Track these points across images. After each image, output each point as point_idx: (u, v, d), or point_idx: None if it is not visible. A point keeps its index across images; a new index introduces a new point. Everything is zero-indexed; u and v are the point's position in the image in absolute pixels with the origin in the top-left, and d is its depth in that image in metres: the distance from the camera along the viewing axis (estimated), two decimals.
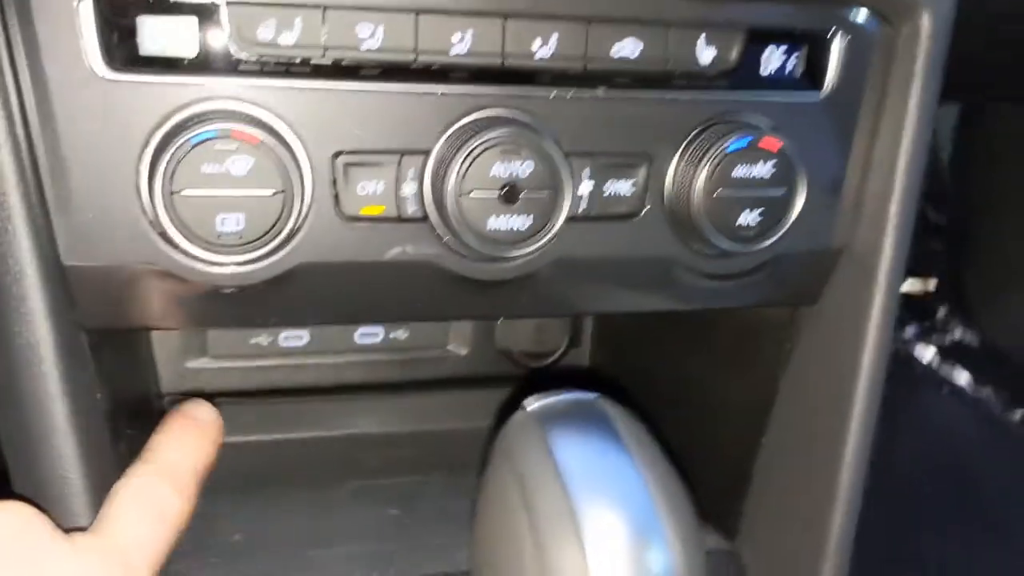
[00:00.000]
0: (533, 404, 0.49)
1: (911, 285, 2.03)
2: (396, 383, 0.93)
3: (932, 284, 1.98)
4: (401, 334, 0.92)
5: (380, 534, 0.78)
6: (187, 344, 0.87)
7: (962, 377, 1.89)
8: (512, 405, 0.59)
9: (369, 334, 0.91)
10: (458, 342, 0.96)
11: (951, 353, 1.91)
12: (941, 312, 1.92)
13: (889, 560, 1.31)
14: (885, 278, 0.69)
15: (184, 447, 0.60)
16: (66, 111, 0.53)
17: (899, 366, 1.96)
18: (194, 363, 0.88)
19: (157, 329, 0.82)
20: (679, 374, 0.87)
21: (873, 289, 0.69)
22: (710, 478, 0.80)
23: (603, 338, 1.00)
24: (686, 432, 0.82)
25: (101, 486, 0.58)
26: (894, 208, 0.68)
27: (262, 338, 0.89)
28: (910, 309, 1.98)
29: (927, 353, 1.94)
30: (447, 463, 0.90)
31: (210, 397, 0.88)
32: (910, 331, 1.96)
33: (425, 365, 0.94)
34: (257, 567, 0.73)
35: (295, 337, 0.89)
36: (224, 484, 0.83)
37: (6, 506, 0.51)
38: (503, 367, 0.97)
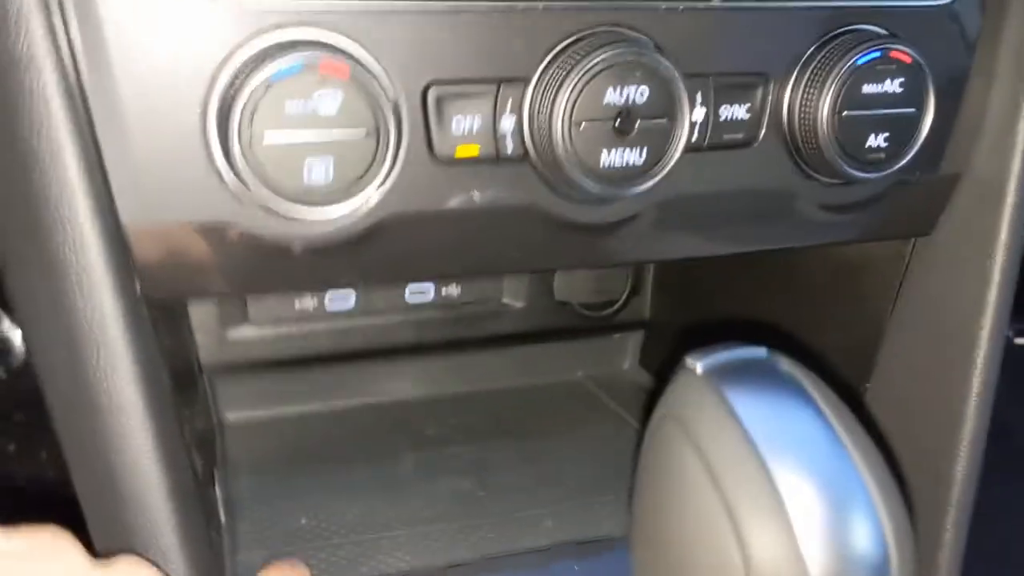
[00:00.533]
0: (701, 361, 0.43)
1: None
2: (451, 342, 0.86)
3: None
4: (453, 290, 0.85)
5: (458, 510, 0.72)
6: (226, 312, 0.79)
7: None
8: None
9: (419, 291, 0.84)
10: (513, 295, 0.89)
11: None
12: None
13: None
14: (1012, 204, 0.63)
15: None
16: (120, 43, 0.45)
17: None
18: (235, 332, 0.80)
19: (227, 296, 0.74)
20: (761, 320, 0.81)
21: (998, 216, 0.63)
22: None
23: (665, 285, 0.94)
24: None
25: (176, 482, 0.51)
26: (1022, 125, 0.62)
27: (307, 302, 0.81)
28: None
29: None
30: (510, 426, 0.84)
31: (255, 368, 0.81)
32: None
33: (480, 321, 0.87)
34: (334, 555, 0.66)
35: (341, 299, 0.82)
36: (280, 462, 0.77)
37: (42, 529, 0.45)
38: (561, 320, 0.90)
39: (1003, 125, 0.62)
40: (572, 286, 0.89)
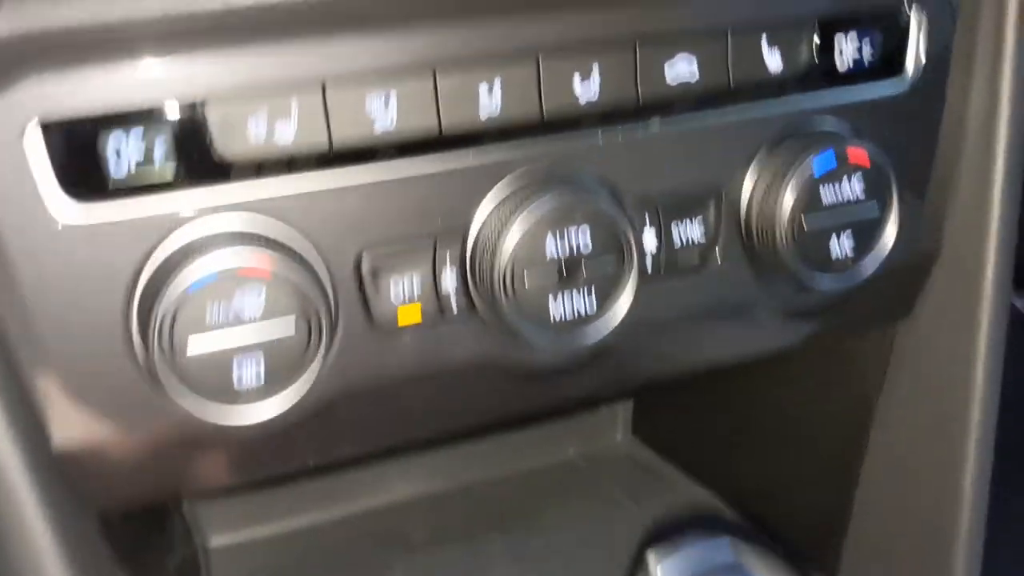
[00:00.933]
0: (661, 564, 0.40)
1: None
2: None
3: None
4: None
5: None
6: None
7: None
8: None
9: None
10: None
11: None
12: None
13: None
14: (992, 281, 0.60)
15: None
16: (31, 267, 0.43)
17: None
18: None
19: (176, 498, 0.72)
20: (754, 410, 0.78)
21: (979, 293, 0.60)
22: (804, 516, 0.72)
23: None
24: (769, 470, 0.74)
25: None
26: (996, 201, 0.59)
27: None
28: None
29: None
30: (503, 520, 0.82)
31: (234, 490, 0.79)
32: None
33: None
34: None
35: None
36: None
37: None
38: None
39: (975, 200, 0.60)
40: None
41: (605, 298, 0.50)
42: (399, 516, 0.82)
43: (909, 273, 0.61)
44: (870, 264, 0.55)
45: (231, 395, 0.44)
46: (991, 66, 0.57)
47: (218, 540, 0.80)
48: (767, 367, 0.73)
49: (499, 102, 0.47)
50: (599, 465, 0.90)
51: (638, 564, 0.44)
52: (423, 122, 0.46)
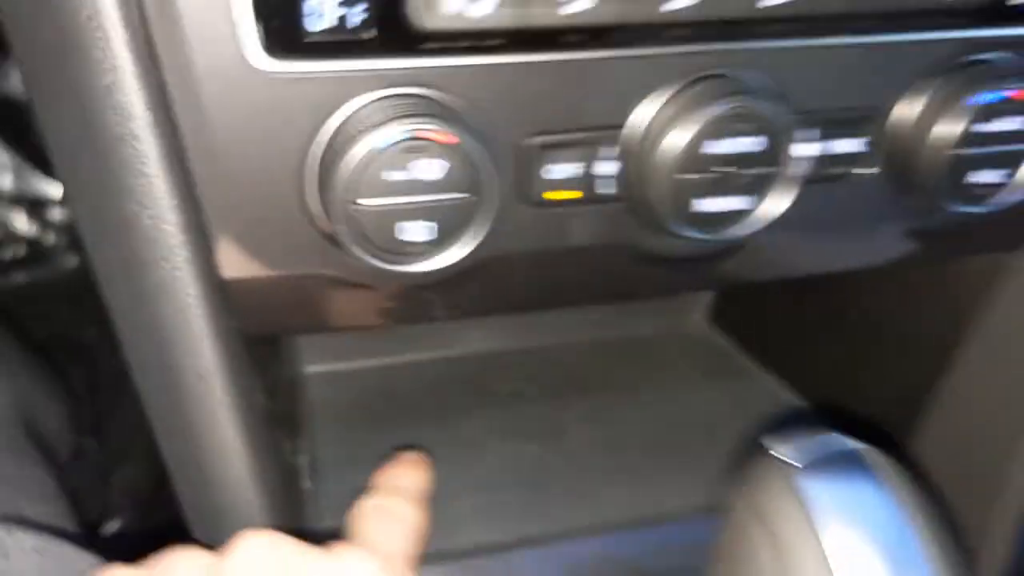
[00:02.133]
0: (785, 453, 0.43)
1: None
2: None
3: None
4: None
5: (526, 479, 0.74)
6: None
7: None
8: None
9: None
10: None
11: None
12: None
13: None
14: None
15: (407, 476, 0.60)
16: (222, 109, 0.44)
17: None
18: None
19: (319, 331, 0.75)
20: (842, 314, 0.80)
21: None
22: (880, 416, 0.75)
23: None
24: (850, 374, 0.77)
25: (276, 504, 0.53)
26: None
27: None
28: None
29: None
30: (579, 383, 0.85)
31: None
32: None
33: None
34: None
35: None
36: (355, 417, 0.79)
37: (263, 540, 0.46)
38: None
39: None
40: None
41: (753, 199, 0.51)
42: (485, 366, 0.86)
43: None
44: (1008, 197, 0.56)
45: (399, 252, 0.47)
46: None
47: (314, 368, 0.84)
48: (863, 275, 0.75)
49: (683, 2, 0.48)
50: (676, 345, 0.93)
51: (760, 461, 0.46)
52: (602, 16, 0.47)
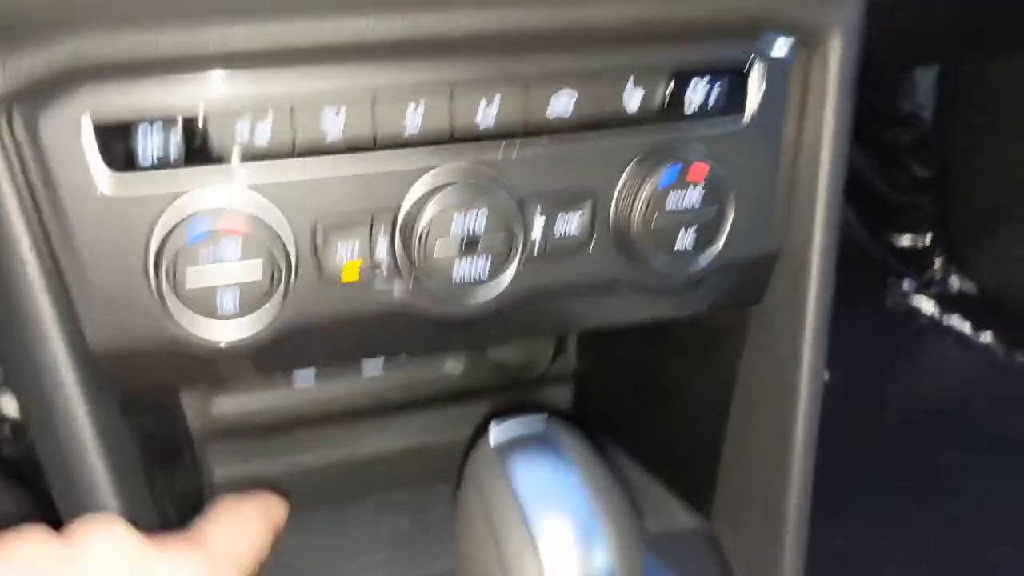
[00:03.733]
0: (494, 436, 0.58)
1: (907, 241, 2.09)
2: (401, 404, 1.02)
3: (927, 239, 2.03)
4: (403, 358, 1.01)
5: (396, 543, 0.87)
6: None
7: (964, 325, 1.95)
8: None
9: (371, 365, 1.00)
10: (454, 363, 1.04)
11: (951, 303, 1.97)
12: (937, 265, 1.98)
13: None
14: (818, 275, 0.77)
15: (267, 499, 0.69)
16: (78, 219, 0.62)
17: (903, 319, 2.03)
18: (220, 406, 0.97)
19: (175, 390, 0.91)
20: (652, 372, 0.96)
21: (808, 285, 0.77)
22: (687, 465, 0.89)
23: (585, 346, 1.09)
24: (663, 425, 0.91)
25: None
26: (820, 213, 0.76)
27: (277, 378, 0.98)
28: (908, 264, 2.05)
29: (928, 305, 1.99)
30: (451, 472, 0.99)
31: (237, 433, 0.98)
32: (909, 285, 2.01)
33: (426, 386, 1.03)
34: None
35: (307, 376, 0.98)
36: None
37: (93, 525, 0.57)
38: (498, 378, 1.05)
39: (806, 213, 0.77)
40: (504, 351, 1.05)
41: (496, 268, 0.68)
42: (372, 465, 1.00)
43: (756, 267, 0.78)
44: (706, 257, 0.72)
45: (215, 317, 0.63)
46: (818, 110, 0.75)
47: (221, 473, 0.98)
48: (663, 338, 0.90)
49: (420, 120, 0.66)
50: None
51: (479, 443, 0.60)
52: (365, 132, 0.65)
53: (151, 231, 0.62)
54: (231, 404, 0.98)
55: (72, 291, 0.63)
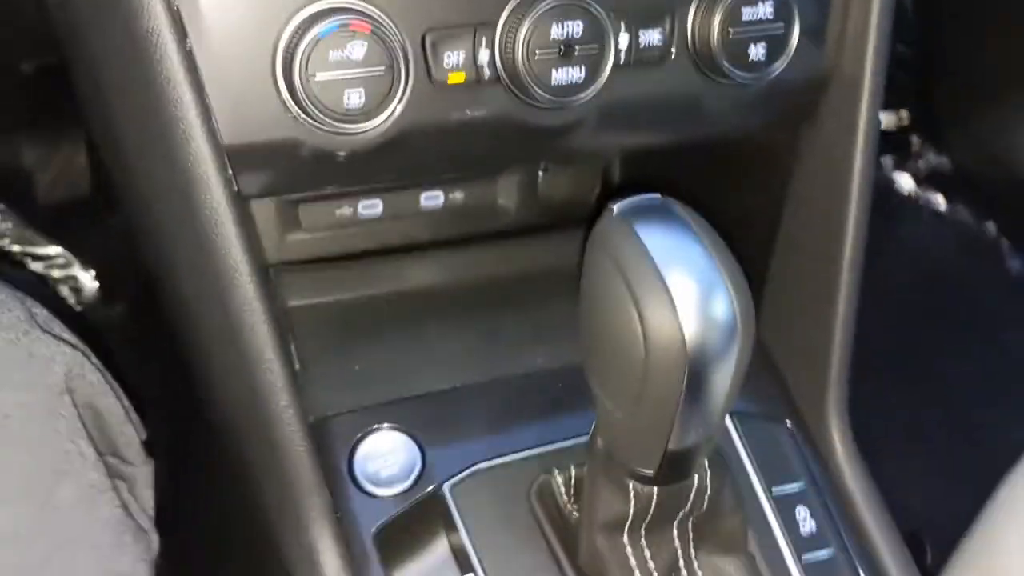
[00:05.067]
0: (618, 207, 0.64)
1: (885, 119, 2.17)
2: (458, 238, 1.08)
3: (905, 116, 2.11)
4: (458, 195, 1.06)
5: (469, 353, 0.94)
6: (284, 221, 1.01)
7: (939, 201, 2.04)
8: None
9: (431, 197, 1.05)
10: (506, 199, 1.10)
11: (927, 180, 2.06)
12: (915, 142, 2.06)
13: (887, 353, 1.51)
14: (868, 96, 0.84)
15: None
16: (216, 18, 0.66)
17: (879, 195, 2.12)
18: (292, 236, 1.02)
19: (294, 192, 0.95)
20: (701, 200, 1.02)
21: (859, 106, 0.84)
22: None
23: (631, 186, 1.15)
24: None
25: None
26: (872, 35, 0.83)
27: (345, 210, 1.02)
28: (886, 141, 2.13)
29: (905, 182, 2.08)
30: (514, 302, 1.05)
31: (306, 263, 1.03)
32: (887, 162, 2.10)
33: (480, 220, 1.08)
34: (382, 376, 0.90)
35: (371, 206, 1.03)
36: (329, 335, 0.99)
37: None
38: (546, 217, 1.11)
39: (858, 34, 0.83)
40: (553, 187, 1.10)
41: (589, 74, 0.74)
42: (433, 296, 1.05)
43: (811, 85, 0.85)
44: (775, 68, 0.79)
45: (342, 113, 0.68)
46: None
47: (292, 302, 1.03)
48: (713, 165, 0.97)
49: None
50: None
51: (604, 214, 0.66)
52: None
53: (285, 25, 0.67)
54: (302, 237, 1.02)
55: (207, 88, 0.68)
